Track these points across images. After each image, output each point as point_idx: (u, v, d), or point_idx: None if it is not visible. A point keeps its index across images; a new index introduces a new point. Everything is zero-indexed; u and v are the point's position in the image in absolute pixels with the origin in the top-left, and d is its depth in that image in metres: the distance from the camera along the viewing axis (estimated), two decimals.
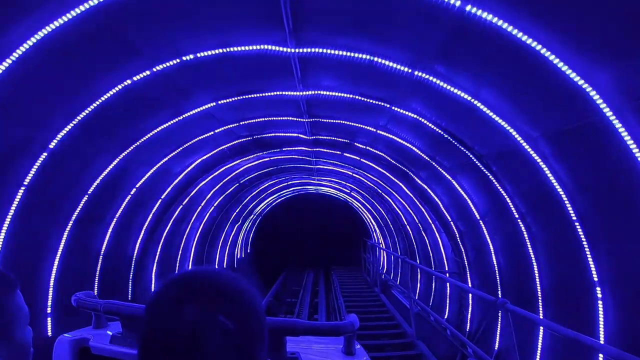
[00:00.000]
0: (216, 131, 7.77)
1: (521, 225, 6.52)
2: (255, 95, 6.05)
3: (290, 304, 18.47)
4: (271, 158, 11.62)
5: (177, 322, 0.74)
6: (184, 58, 4.90)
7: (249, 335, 0.79)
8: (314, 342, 2.21)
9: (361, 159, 9.91)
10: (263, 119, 7.50)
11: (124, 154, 6.86)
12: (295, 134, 8.83)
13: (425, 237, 11.75)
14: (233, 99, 6.14)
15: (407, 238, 14.29)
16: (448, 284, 10.65)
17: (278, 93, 5.98)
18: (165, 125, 6.61)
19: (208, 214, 13.37)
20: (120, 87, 5.20)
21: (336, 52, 4.47)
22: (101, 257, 8.27)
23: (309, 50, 4.52)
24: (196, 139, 7.88)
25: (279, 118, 7.46)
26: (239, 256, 20.73)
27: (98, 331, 1.94)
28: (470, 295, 9.29)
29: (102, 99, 5.30)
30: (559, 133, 4.60)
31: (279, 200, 22.97)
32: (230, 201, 14.41)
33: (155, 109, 6.24)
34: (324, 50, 4.50)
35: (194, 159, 9.13)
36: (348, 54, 4.48)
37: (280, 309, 17.63)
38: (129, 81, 5.17)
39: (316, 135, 8.73)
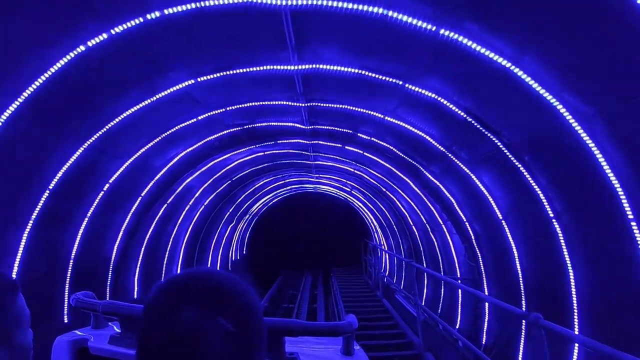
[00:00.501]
0: (199, 118, 6.77)
1: (556, 226, 5.53)
2: (240, 71, 5.04)
3: (288, 309, 17.55)
4: (265, 153, 10.61)
5: (175, 323, 0.74)
6: (148, 16, 3.90)
7: (248, 336, 0.78)
8: (313, 342, 2.22)
9: (364, 153, 8.90)
10: (252, 104, 6.49)
11: (88, 142, 5.84)
12: (291, 124, 7.82)
13: (434, 239, 10.76)
14: (214, 75, 5.13)
15: (412, 239, 13.29)
16: (460, 290, 9.66)
17: (268, 67, 4.97)
18: (137, 108, 5.60)
19: (198, 214, 12.35)
20: (72, 55, 4.20)
21: (340, 3, 3.47)
22: (72, 261, 7.26)
23: (305, 1, 3.51)
24: (177, 127, 6.87)
25: (271, 103, 6.45)
26: (233, 258, 19.71)
27: (97, 331, 1.93)
28: (486, 304, 8.29)
29: (52, 70, 4.30)
30: (618, 109, 3.62)
31: (276, 199, 21.96)
32: (222, 200, 13.39)
33: (123, 87, 5.23)
34: (325, 2, 3.49)
35: (176, 151, 8.12)
36: (355, 6, 3.47)
37: (277, 314, 16.69)
38: (82, 47, 4.17)
39: (314, 125, 7.74)
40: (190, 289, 0.77)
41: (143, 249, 9.93)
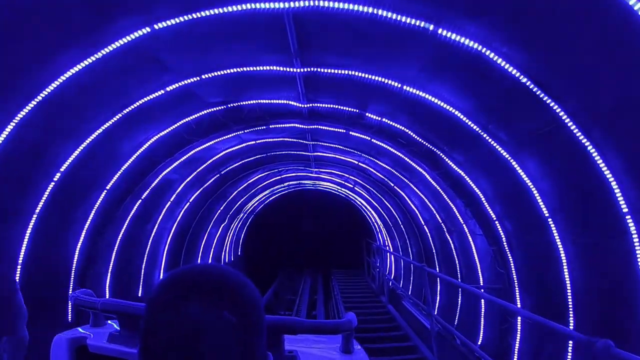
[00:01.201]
0: (169, 89, 5.40)
1: (630, 225, 4.19)
2: (210, 13, 3.66)
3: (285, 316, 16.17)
4: (257, 142, 9.25)
5: (178, 317, 0.74)
6: None
7: (250, 329, 0.78)
8: (312, 340, 2.21)
9: (372, 139, 7.54)
10: (234, 71, 5.11)
11: (21, 116, 4.49)
12: (284, 101, 6.47)
13: (450, 241, 9.39)
14: (176, 20, 3.76)
15: (422, 241, 11.93)
16: (483, 301, 8.29)
17: (249, 6, 3.60)
18: (80, 67, 4.23)
19: (183, 212, 10.98)
20: None
21: None
22: (20, 267, 5.91)
23: None
24: (143, 100, 5.51)
25: (257, 69, 5.06)
26: (226, 260, 18.33)
27: (96, 330, 1.92)
28: (519, 318, 6.92)
29: None
30: None
31: (273, 197, 20.60)
32: (211, 197, 12.02)
33: (56, 34, 3.87)
34: None
35: (147, 135, 6.75)
36: None
37: None
38: None
39: (313, 102, 6.38)
40: (193, 283, 0.78)
41: (115, 251, 8.56)
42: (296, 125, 7.69)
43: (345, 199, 20.36)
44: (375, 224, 18.60)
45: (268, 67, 5.01)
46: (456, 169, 6.55)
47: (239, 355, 0.75)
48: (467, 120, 5.10)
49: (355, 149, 9.01)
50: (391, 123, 6.35)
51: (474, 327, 8.64)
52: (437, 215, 9.36)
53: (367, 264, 17.60)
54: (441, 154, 6.47)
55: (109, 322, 2.01)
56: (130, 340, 1.67)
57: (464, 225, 8.06)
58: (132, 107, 5.57)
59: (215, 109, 6.59)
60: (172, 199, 9.71)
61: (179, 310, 0.74)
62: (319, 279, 22.00)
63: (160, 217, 9.80)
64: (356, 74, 4.89)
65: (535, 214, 5.57)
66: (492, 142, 5.14)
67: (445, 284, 10.60)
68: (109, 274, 8.51)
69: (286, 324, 1.71)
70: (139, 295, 9.91)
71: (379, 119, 6.35)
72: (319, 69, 4.89)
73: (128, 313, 1.75)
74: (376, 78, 4.90)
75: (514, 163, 5.24)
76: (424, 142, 6.40)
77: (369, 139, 7.63)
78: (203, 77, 5.22)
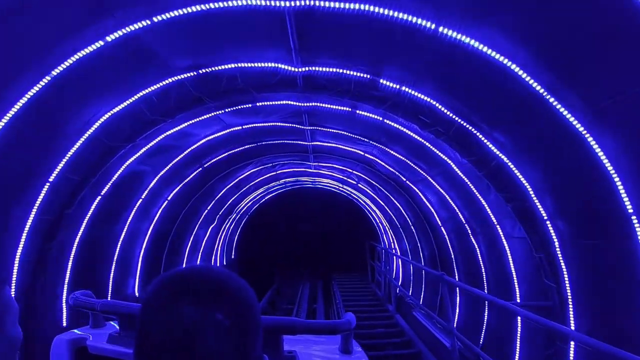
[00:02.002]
0: (109, 39, 3.89)
1: None
2: None
3: None
4: (244, 127, 7.74)
5: (172, 319, 0.74)
6: None
7: (245, 331, 0.78)
8: (312, 341, 2.22)
9: (385, 119, 6.05)
10: (200, 8, 3.61)
11: None
12: (272, 64, 4.95)
13: (475, 244, 7.89)
14: None
15: (437, 243, 10.42)
16: (519, 318, 6.78)
17: None
18: None
19: (161, 211, 9.46)
20: None
21: None
22: None
23: None
24: (75, 57, 4.02)
25: (232, 3, 3.56)
26: (218, 264, 16.82)
27: (95, 330, 1.93)
28: (571, 343, 5.40)
29: None
30: None
31: (268, 196, 19.10)
32: (195, 194, 10.51)
33: None
34: None
35: (94, 111, 5.25)
36: None
37: None
38: None
39: (310, 64, 4.86)
40: (188, 285, 0.78)
41: (73, 258, 7.06)
42: (289, 102, 6.18)
43: (347, 197, 18.87)
44: (379, 224, 17.07)
45: (244, 2, 3.49)
46: (497, 153, 5.04)
47: (232, 358, 0.75)
48: (526, 77, 3.59)
49: (361, 134, 7.51)
50: (413, 93, 4.83)
51: (507, 349, 7.12)
52: (460, 214, 7.85)
53: (371, 268, 16.23)
54: (478, 134, 4.96)
55: (108, 323, 2.04)
56: (130, 341, 1.55)
57: (497, 226, 6.55)
58: (63, 66, 4.07)
59: (182, 76, 5.08)
60: (144, 196, 8.20)
61: (173, 312, 0.74)
62: (319, 285, 20.65)
63: (131, 216, 8.28)
64: (372, 9, 3.37)
65: (610, 210, 4.07)
66: (563, 111, 3.64)
67: (466, 295, 9.09)
68: (66, 285, 7.00)
69: (285, 324, 1.74)
70: None
71: (397, 87, 4.83)
72: (316, 1, 3.38)
73: (127, 314, 1.75)
74: (402, 16, 3.39)
75: (589, 139, 3.74)
76: (456, 119, 4.89)
77: (381, 119, 6.12)
78: (155, 19, 3.72)
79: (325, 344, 2.16)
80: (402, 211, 11.89)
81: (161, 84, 5.17)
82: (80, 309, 1.94)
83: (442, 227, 9.42)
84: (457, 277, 9.33)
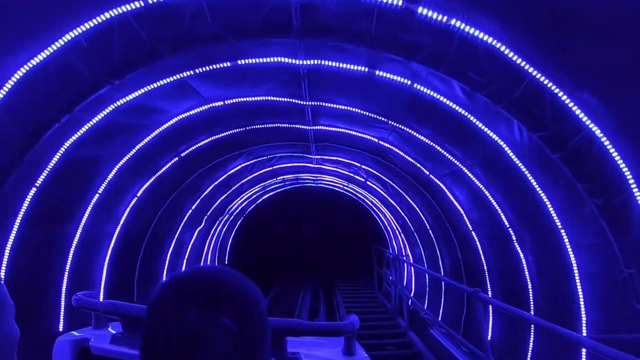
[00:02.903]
0: None
1: None
2: None
3: None
4: (226, 102, 6.09)
5: (178, 323, 0.74)
6: None
7: (252, 336, 0.78)
8: (315, 342, 2.24)
9: (415, 83, 4.43)
10: None
11: None
12: None
13: (521, 254, 6.23)
14: None
15: (462, 250, 8.76)
16: (584, 351, 5.13)
17: None
18: None
19: (129, 209, 7.82)
20: None
21: None
22: None
23: None
24: None
25: None
26: None
27: (98, 331, 1.97)
28: None
29: None
30: None
31: (265, 195, 17.51)
32: (173, 190, 8.87)
33: None
34: None
35: (10, 61, 3.68)
36: None
37: None
38: None
39: None
40: (194, 288, 0.77)
41: (3, 271, 5.46)
42: (283, 60, 4.55)
43: (352, 198, 17.25)
44: (388, 228, 15.37)
45: None
46: (587, 122, 3.40)
47: None
48: None
49: (378, 112, 5.87)
50: (466, 29, 3.21)
51: None
52: (502, 215, 6.19)
53: (378, 276, 14.46)
54: (560, 93, 3.33)
55: (111, 324, 2.07)
56: (134, 342, 1.66)
57: (561, 231, 4.88)
58: None
59: (125, 7, 3.46)
60: (102, 190, 6.56)
61: (179, 316, 0.74)
62: (321, 294, 19.07)
63: (86, 215, 6.63)
64: None
65: None
66: None
67: (501, 316, 7.42)
68: None
69: (289, 326, 1.83)
70: (60, 330, 6.79)
71: (443, 18, 3.20)
72: None
73: (131, 315, 1.77)
74: None
75: None
76: (529, 69, 3.26)
77: (409, 82, 4.48)
78: None
79: (328, 346, 2.18)
80: (419, 212, 10.24)
81: (96, 20, 3.55)
82: (83, 310, 1.96)
83: (472, 232, 7.77)
84: (490, 293, 7.68)
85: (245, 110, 6.57)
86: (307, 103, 6.01)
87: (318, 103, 5.99)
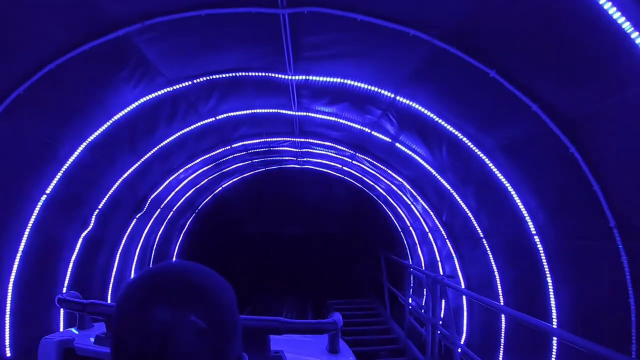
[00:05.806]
0: None
1: None
2: None
3: None
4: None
5: (146, 322, 0.90)
6: None
7: (221, 332, 0.95)
8: (298, 340, 2.82)
9: None
10: None
11: None
12: None
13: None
14: None
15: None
16: None
17: None
18: None
19: None
20: None
21: None
22: None
23: None
24: None
25: None
26: None
27: (83, 332, 2.47)
28: None
29: None
30: None
31: (230, 181, 16.06)
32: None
33: None
34: None
35: None
36: None
37: None
38: None
39: None
40: (162, 286, 0.94)
41: None
42: None
43: (351, 184, 16.05)
44: (410, 228, 13.44)
45: None
46: None
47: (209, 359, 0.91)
48: None
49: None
50: None
51: None
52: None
53: (391, 295, 12.82)
54: None
55: (96, 324, 2.57)
56: None
57: None
58: None
59: None
60: None
61: (147, 313, 0.89)
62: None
63: None
64: None
65: None
66: None
67: None
68: None
69: (271, 324, 2.21)
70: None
71: None
72: None
73: (112, 314, 1.97)
74: None
75: None
76: None
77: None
78: None
79: (313, 343, 2.74)
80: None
81: None
82: (67, 309, 2.40)
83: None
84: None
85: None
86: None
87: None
